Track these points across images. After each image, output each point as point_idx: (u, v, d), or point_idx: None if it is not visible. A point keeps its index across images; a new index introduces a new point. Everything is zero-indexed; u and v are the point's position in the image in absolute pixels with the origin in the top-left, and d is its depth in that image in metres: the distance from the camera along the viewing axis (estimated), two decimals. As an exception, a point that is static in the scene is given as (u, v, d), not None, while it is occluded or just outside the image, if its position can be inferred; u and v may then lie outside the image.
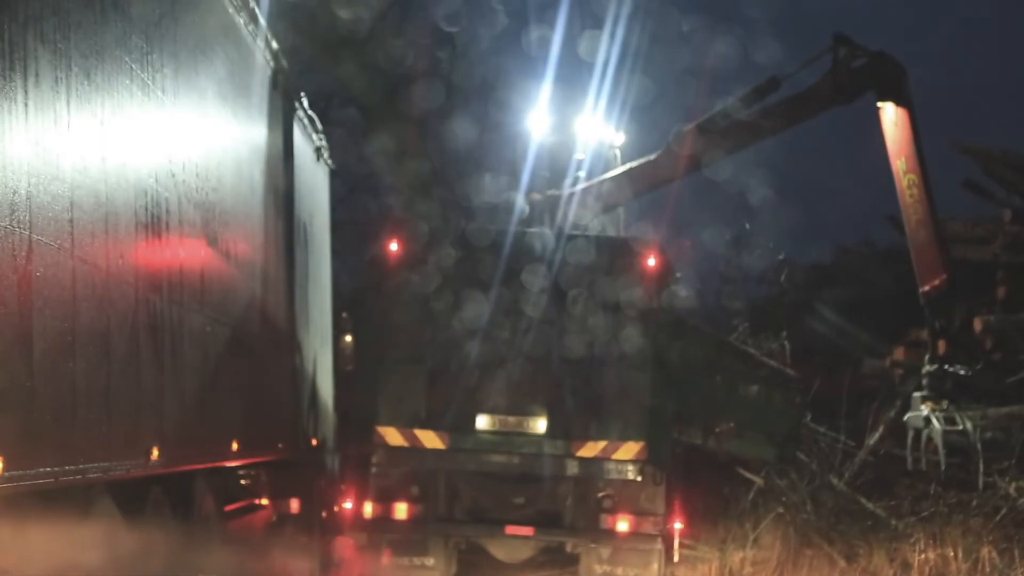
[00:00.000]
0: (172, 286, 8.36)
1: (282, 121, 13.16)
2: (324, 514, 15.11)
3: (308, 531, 14.05)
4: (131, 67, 7.42)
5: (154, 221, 7.85)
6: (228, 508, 10.83)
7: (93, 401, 6.63)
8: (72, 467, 6.26)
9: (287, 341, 13.29)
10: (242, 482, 12.19)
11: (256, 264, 11.64)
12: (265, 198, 12.04)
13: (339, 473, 16.39)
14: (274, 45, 12.67)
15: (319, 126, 15.07)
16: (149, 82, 7.80)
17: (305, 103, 14.02)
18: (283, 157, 13.16)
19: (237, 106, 10.90)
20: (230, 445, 10.12)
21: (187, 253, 8.79)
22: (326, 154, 15.90)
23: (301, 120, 14.03)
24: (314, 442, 14.63)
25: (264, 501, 12.64)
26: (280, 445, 12.45)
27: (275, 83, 12.87)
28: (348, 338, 16.11)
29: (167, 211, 8.11)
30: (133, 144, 7.52)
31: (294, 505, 13.54)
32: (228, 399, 10.23)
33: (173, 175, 8.32)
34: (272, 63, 12.56)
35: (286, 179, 13.38)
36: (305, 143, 14.52)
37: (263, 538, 12.12)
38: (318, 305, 15.58)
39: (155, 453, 7.70)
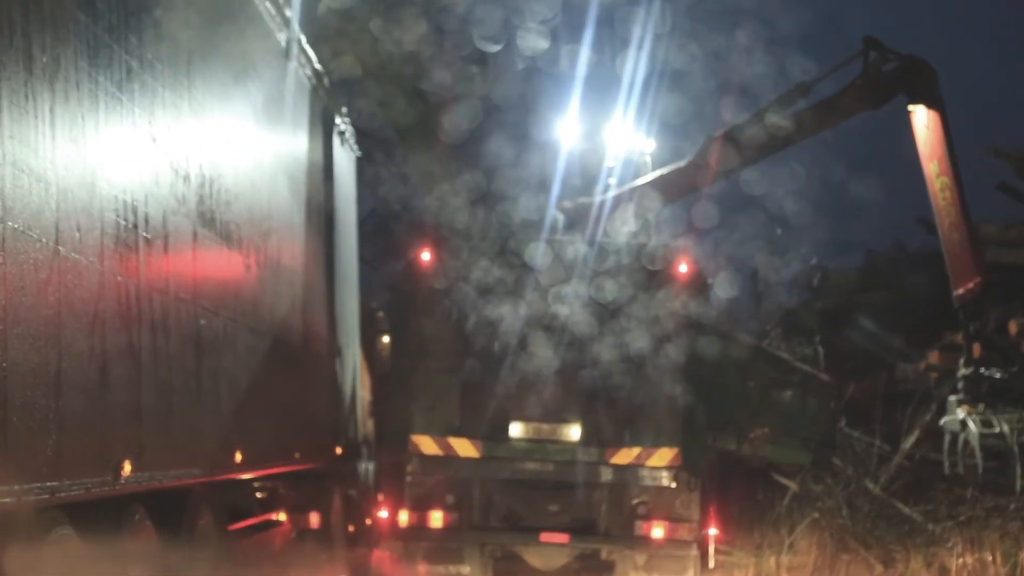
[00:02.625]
0: (154, 269, 6.75)
1: (322, 129, 11.97)
2: (351, 528, 13.52)
3: (329, 546, 12.40)
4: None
5: (128, 192, 6.27)
6: (233, 527, 9.04)
7: (35, 405, 5.08)
8: (3, 488, 4.75)
9: (309, 338, 11.61)
10: (258, 495, 10.43)
11: (280, 258, 10.03)
12: (291, 190, 10.54)
13: (371, 482, 14.99)
14: (312, 56, 11.37)
15: (343, 108, 13.39)
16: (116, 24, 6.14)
17: (325, 81, 12.37)
18: (320, 150, 11.86)
19: (264, 101, 9.55)
20: (232, 456, 8.40)
21: (175, 230, 7.16)
22: (352, 139, 14.20)
23: (322, 99, 12.36)
24: (339, 450, 12.93)
25: (281, 516, 10.93)
26: (297, 455, 10.74)
27: (313, 92, 11.66)
28: (385, 339, 14.96)
29: (140, 175, 6.53)
30: (94, 102, 5.95)
31: (314, 519, 11.94)
32: (228, 403, 8.46)
33: (154, 140, 6.82)
34: (309, 72, 11.30)
35: (325, 183, 12.10)
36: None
37: (277, 557, 10.39)
38: (344, 299, 13.81)
39: (127, 468, 6.09)
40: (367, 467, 14.86)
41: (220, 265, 8.28)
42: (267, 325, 9.75)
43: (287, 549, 10.88)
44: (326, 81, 12.04)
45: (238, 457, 8.50)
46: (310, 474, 11.48)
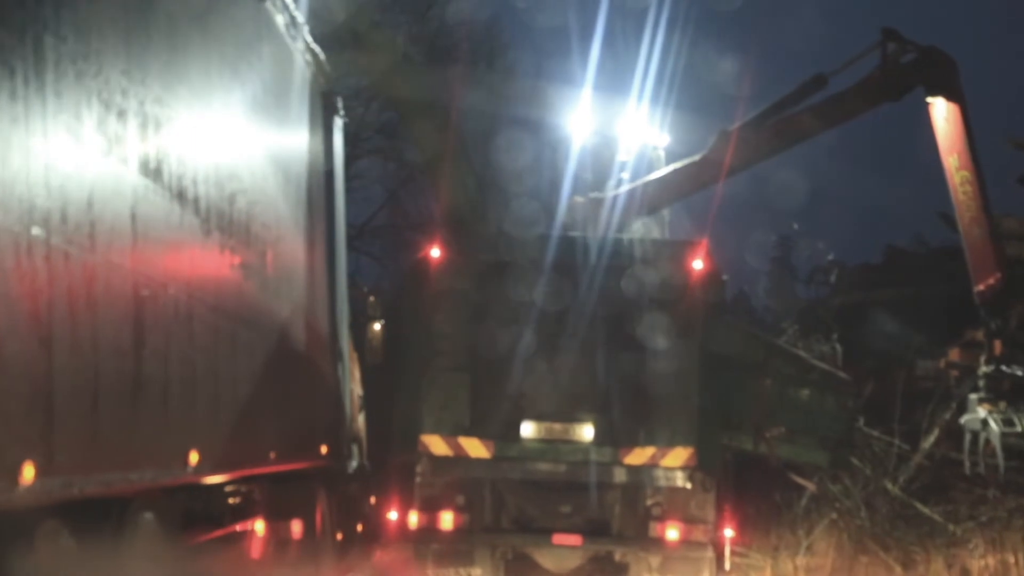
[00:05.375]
0: (73, 223, 5.44)
1: (300, 82, 11.04)
2: (339, 535, 12.74)
3: (314, 557, 11.40)
4: None
5: (31, 123, 5.14)
6: (194, 540, 7.90)
7: None
8: None
9: (287, 321, 10.27)
10: (229, 502, 9.21)
11: (250, 225, 8.78)
12: (265, 149, 9.37)
13: (364, 484, 14.38)
14: (306, 33, 10.59)
15: (329, 69, 12.17)
16: None
17: (309, 38, 11.18)
18: (298, 105, 10.79)
19: (231, 45, 8.42)
20: (184, 457, 7.06)
21: (104, 177, 5.84)
22: (339, 101, 12.98)
23: (304, 55, 11.11)
24: (324, 449, 11.84)
25: (258, 525, 9.80)
26: (272, 455, 9.48)
27: (313, 81, 11.06)
28: (377, 326, 14.18)
29: (53, 104, 5.33)
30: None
31: (296, 527, 10.89)
32: (180, 393, 7.09)
33: (73, 61, 5.67)
34: (287, 18, 10.23)
35: (310, 145, 11.16)
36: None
37: (247, 573, 9.35)
38: (332, 279, 12.66)
39: (28, 472, 4.92)
40: (358, 467, 14.08)
41: (170, 226, 6.95)
42: (234, 302, 8.39)
43: (262, 562, 9.86)
44: (306, 31, 11.06)
45: (193, 458, 7.20)
46: (291, 476, 10.44)
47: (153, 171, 6.59)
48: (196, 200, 7.41)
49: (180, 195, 7.09)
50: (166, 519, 7.15)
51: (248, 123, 8.93)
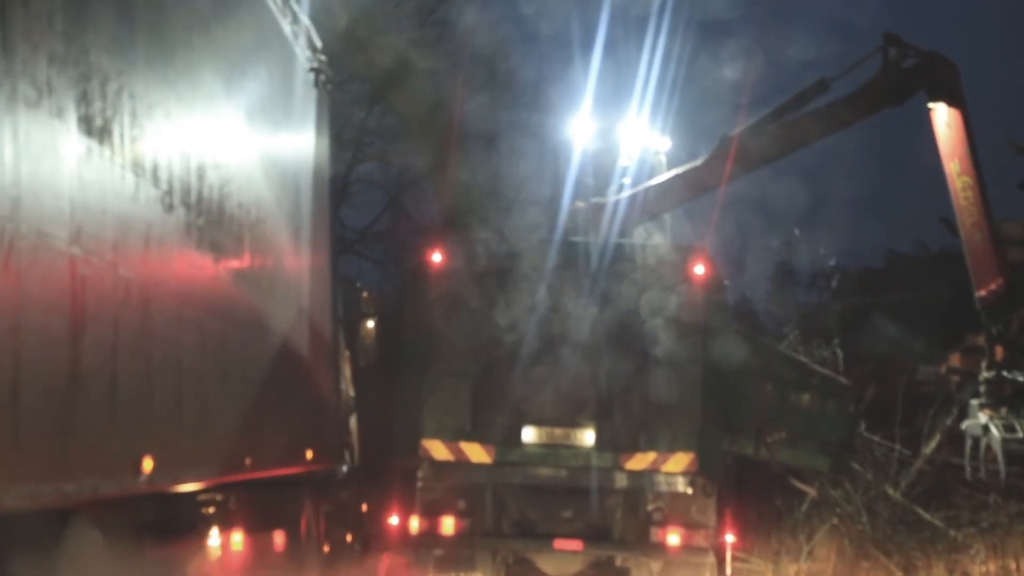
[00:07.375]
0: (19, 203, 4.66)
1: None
2: (327, 548, 12.27)
3: (298, 572, 10.82)
4: None
5: None
6: (160, 554, 7.20)
7: None
8: None
9: (267, 312, 9.43)
10: (202, 512, 8.47)
11: (224, 204, 8.04)
12: (246, 123, 8.69)
13: (358, 490, 14.12)
14: (294, 4, 10.07)
15: (317, 43, 11.45)
16: None
17: (296, 9, 10.55)
18: (279, 74, 10.10)
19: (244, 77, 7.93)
20: (137, 464, 6.21)
21: (32, 131, 5.09)
22: (324, 79, 12.33)
23: (293, 27, 10.45)
24: (309, 455, 11.20)
25: (236, 536, 9.12)
26: (247, 461, 8.65)
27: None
28: (370, 324, 13.86)
29: None
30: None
31: (278, 539, 10.24)
32: (131, 389, 6.21)
33: None
34: (294, 24, 9.86)
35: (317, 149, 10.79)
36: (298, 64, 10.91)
37: None
38: (320, 269, 12.07)
39: None
40: (349, 473, 13.66)
41: (121, 197, 6.01)
42: (202, 289, 7.64)
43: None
44: (295, 2, 10.46)
45: (147, 465, 6.33)
46: (273, 483, 9.77)
47: (99, 130, 5.75)
48: (155, 169, 6.58)
49: (135, 162, 6.25)
50: (124, 531, 6.45)
51: (221, 88, 8.07)
